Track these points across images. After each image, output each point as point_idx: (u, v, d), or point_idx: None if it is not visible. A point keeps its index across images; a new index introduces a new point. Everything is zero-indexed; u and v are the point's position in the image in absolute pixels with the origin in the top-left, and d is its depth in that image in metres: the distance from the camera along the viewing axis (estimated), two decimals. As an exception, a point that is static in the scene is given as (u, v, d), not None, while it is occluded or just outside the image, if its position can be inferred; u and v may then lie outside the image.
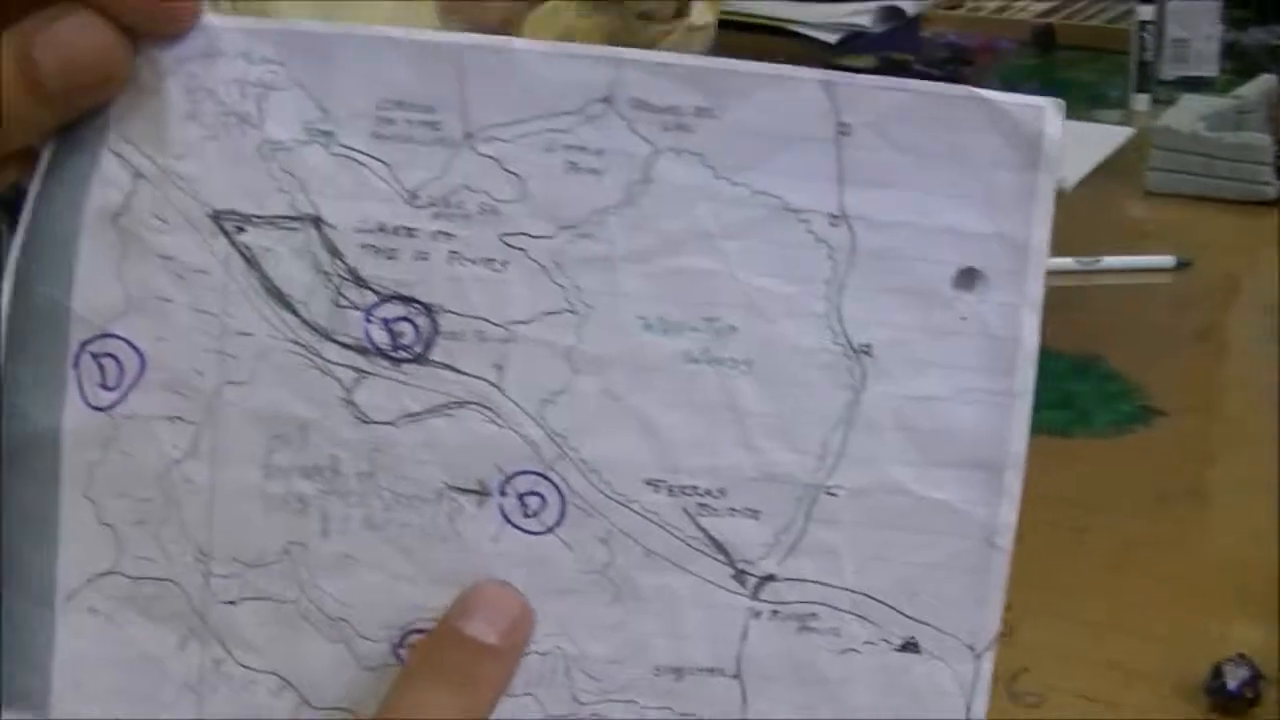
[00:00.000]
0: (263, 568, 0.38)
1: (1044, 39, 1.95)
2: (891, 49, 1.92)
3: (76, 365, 0.37)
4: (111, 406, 0.37)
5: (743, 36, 2.12)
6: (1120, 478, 0.97)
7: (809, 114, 0.37)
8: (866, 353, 0.37)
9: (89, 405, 0.37)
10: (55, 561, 0.38)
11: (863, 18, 2.03)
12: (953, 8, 2.05)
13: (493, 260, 0.37)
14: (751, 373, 0.37)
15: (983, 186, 0.38)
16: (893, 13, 2.04)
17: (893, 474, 0.38)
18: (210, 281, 0.37)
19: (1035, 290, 0.38)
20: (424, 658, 0.37)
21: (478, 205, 0.37)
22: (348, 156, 0.37)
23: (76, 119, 0.37)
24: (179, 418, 0.37)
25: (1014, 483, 0.38)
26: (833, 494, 0.38)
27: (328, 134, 0.37)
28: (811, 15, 2.06)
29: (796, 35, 2.04)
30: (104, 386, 0.37)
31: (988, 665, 0.39)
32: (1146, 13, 1.71)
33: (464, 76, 0.37)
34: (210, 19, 0.37)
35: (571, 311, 0.37)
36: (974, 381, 0.38)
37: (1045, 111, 0.37)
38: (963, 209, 0.38)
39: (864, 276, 0.37)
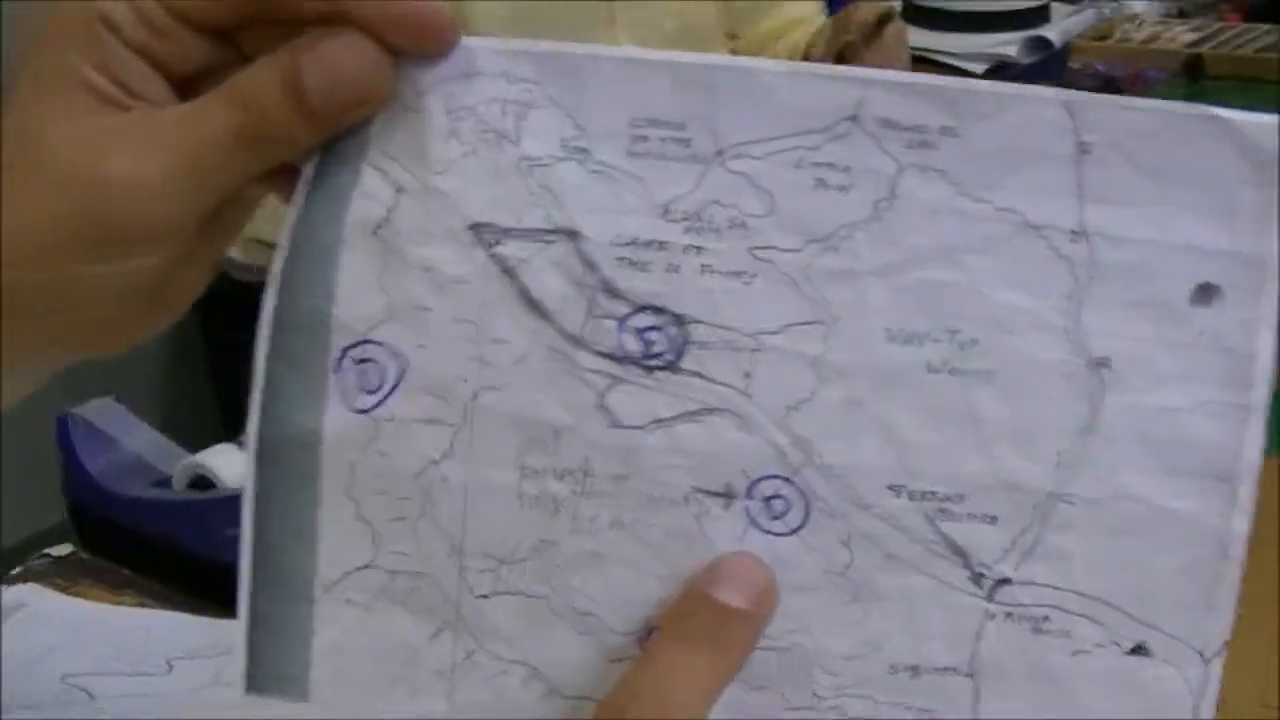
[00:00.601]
0: (515, 564, 0.39)
1: (1193, 69, 1.93)
2: (1040, 79, 1.91)
3: (338, 370, 0.39)
4: (372, 409, 0.39)
5: (890, 66, 2.13)
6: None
7: (1050, 132, 0.38)
8: (1105, 365, 0.38)
9: (350, 408, 0.39)
10: (315, 556, 0.40)
11: (1009, 48, 2.03)
12: (1101, 39, 2.05)
13: (742, 273, 0.39)
14: (992, 383, 0.38)
15: (1221, 203, 0.38)
16: (1040, 43, 2.04)
17: (1129, 483, 0.39)
18: (469, 291, 0.39)
19: (1271, 306, 0.39)
20: (675, 621, 0.38)
21: (728, 220, 0.39)
22: (602, 172, 0.39)
23: (339, 135, 0.39)
24: (437, 420, 0.39)
25: (1247, 494, 0.39)
26: (1069, 502, 0.39)
27: (583, 150, 0.39)
28: (957, 46, 2.06)
29: (943, 65, 2.04)
30: (365, 390, 0.39)
31: (1216, 671, 0.40)
32: (1297, 39, 1.68)
33: (714, 96, 0.38)
34: (469, 40, 0.38)
35: (818, 322, 0.38)
36: (1210, 394, 0.38)
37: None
38: (1201, 225, 0.38)
39: (1103, 291, 0.38)
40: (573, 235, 0.39)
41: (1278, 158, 0.38)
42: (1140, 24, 2.10)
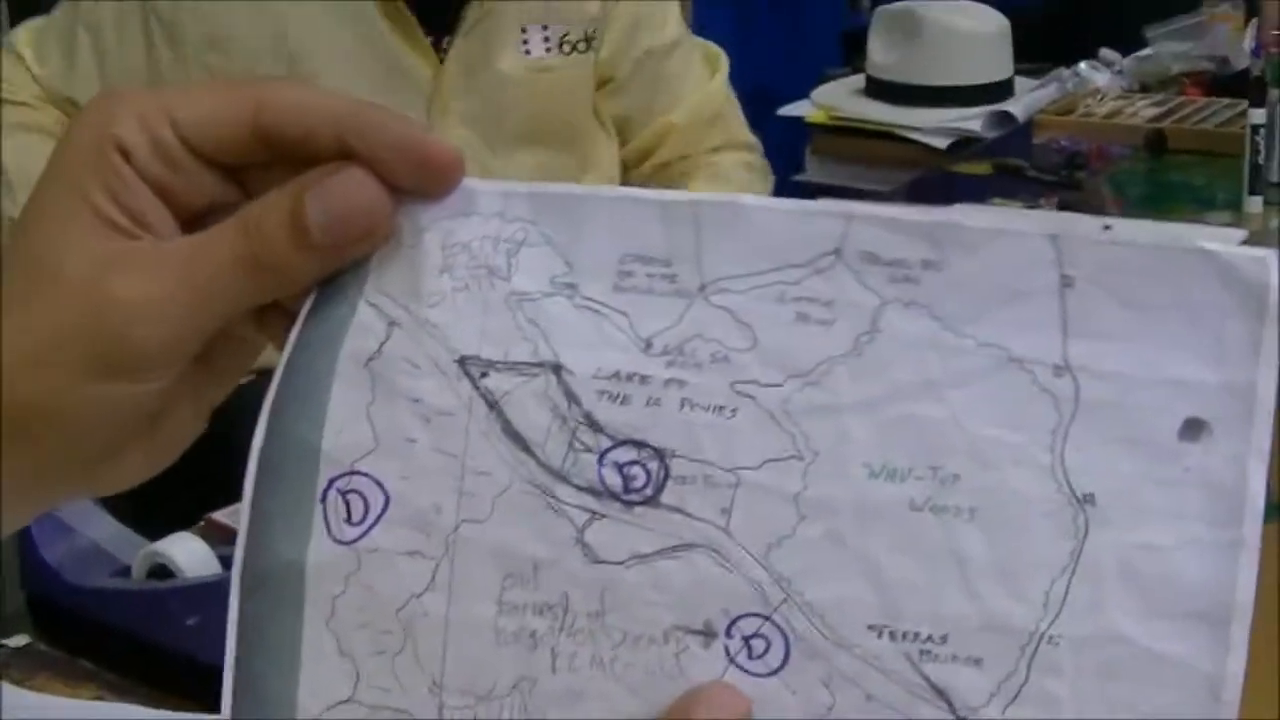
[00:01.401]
0: (494, 700, 0.39)
1: (1156, 144, 1.96)
2: (1005, 154, 1.93)
3: (324, 501, 0.39)
4: (356, 540, 0.39)
5: (855, 140, 2.14)
6: None
7: (1033, 266, 0.38)
8: (1090, 502, 0.38)
9: (335, 539, 0.39)
10: (296, 688, 0.39)
11: (972, 123, 2.05)
12: (1064, 114, 2.07)
13: (723, 408, 0.38)
14: (975, 520, 0.38)
15: (1209, 338, 0.38)
16: (1003, 118, 2.06)
17: (1115, 623, 0.38)
18: (454, 423, 0.39)
19: (1262, 439, 0.38)
20: None
21: (710, 354, 0.38)
22: (589, 308, 0.38)
23: (338, 271, 0.39)
24: (419, 553, 0.39)
25: (1240, 635, 0.38)
26: (1054, 643, 0.38)
27: (571, 286, 0.39)
28: (921, 120, 2.08)
29: (907, 141, 2.06)
30: (349, 522, 0.39)
31: None
32: (1258, 116, 1.71)
33: (700, 231, 0.38)
34: (469, 180, 0.38)
35: (798, 458, 0.38)
36: (1198, 532, 0.38)
37: (1271, 263, 0.38)
38: (1188, 360, 0.38)
39: (1087, 426, 0.38)
40: (556, 369, 0.39)
41: (1266, 291, 0.38)
42: (1103, 99, 2.12)
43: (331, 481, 0.39)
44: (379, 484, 0.39)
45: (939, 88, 2.14)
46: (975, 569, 0.38)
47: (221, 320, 0.39)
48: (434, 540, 0.39)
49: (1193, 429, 0.38)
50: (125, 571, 0.79)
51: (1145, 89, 2.22)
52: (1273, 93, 1.70)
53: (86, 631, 0.75)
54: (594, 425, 0.38)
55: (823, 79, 2.41)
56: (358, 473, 0.39)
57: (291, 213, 0.38)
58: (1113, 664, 0.38)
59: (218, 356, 0.42)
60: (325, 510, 0.39)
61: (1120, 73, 2.25)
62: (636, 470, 0.38)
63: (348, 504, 0.39)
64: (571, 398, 0.38)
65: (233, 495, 0.76)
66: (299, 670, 0.39)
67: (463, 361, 0.39)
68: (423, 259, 0.39)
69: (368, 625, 0.39)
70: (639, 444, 0.38)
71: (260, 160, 0.40)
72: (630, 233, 0.39)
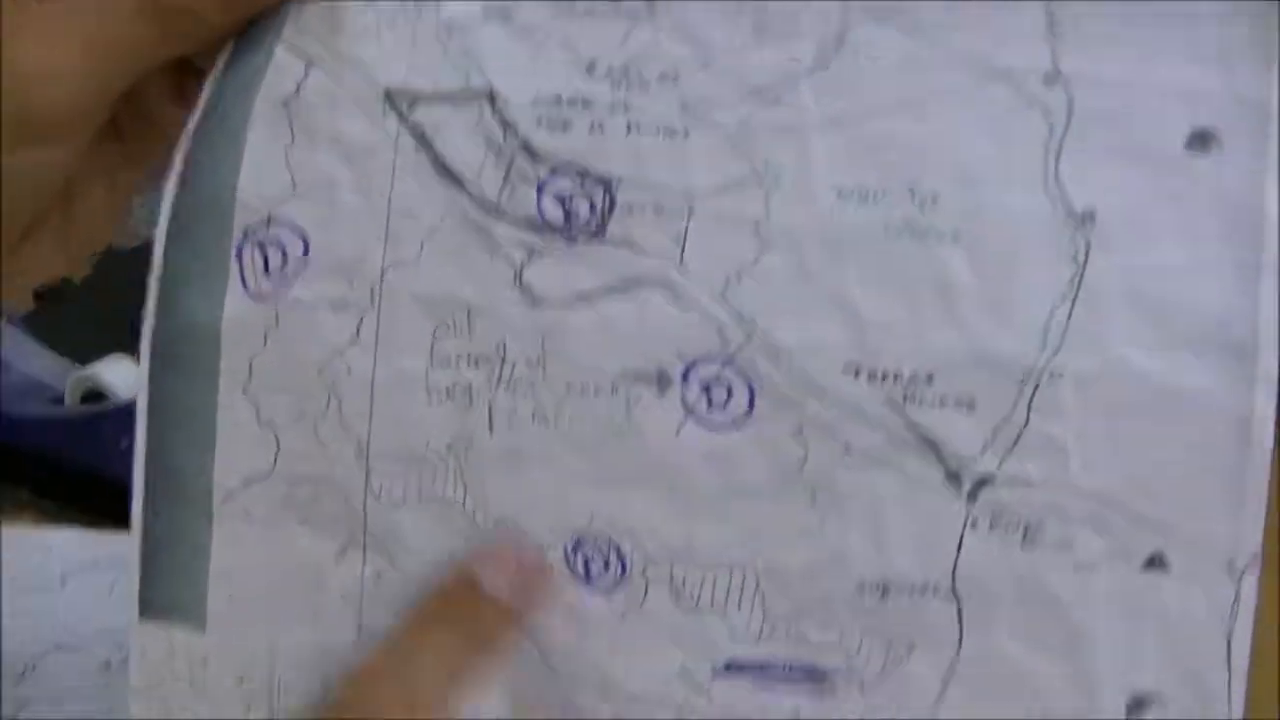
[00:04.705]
0: (426, 464, 0.35)
1: None
2: None
3: (240, 254, 0.36)
4: (274, 294, 0.36)
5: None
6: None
7: None
8: (1090, 220, 0.34)
9: (251, 295, 0.36)
10: (212, 463, 0.36)
11: None
12: None
13: (674, 130, 0.35)
14: (959, 244, 0.34)
15: (1213, 43, 0.34)
16: None
17: (1124, 355, 0.34)
18: (378, 162, 0.35)
19: (1275, 155, 0.34)
20: (434, 598, 0.36)
21: (658, 73, 0.35)
22: (526, 31, 0.35)
23: (252, 21, 0.37)
24: (343, 304, 0.35)
25: (1270, 366, 0.34)
26: (1056, 380, 0.34)
27: (506, 11, 0.35)
28: None
29: None
30: (267, 274, 0.36)
31: (1250, 587, 0.34)
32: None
33: None
34: None
35: (759, 182, 0.34)
36: (1214, 252, 0.34)
37: None
38: (1191, 67, 0.34)
39: (1084, 138, 0.34)
40: (490, 96, 0.35)
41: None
42: None
43: (247, 232, 0.36)
44: (298, 231, 0.36)
45: None
46: (962, 298, 0.34)
47: (129, 77, 0.37)
48: (358, 289, 0.35)
49: (1201, 140, 0.34)
50: (60, 400, 0.76)
51: None
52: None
53: (21, 461, 0.73)
54: (532, 154, 0.35)
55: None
56: (276, 220, 0.36)
57: None
58: (1123, 402, 0.34)
59: (130, 134, 0.40)
60: (241, 264, 0.36)
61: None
62: (580, 202, 0.35)
63: (265, 255, 0.36)
64: (507, 126, 0.35)
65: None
66: (214, 445, 0.36)
67: (388, 95, 0.35)
68: None
69: (288, 388, 0.36)
70: (582, 173, 0.35)
71: None
72: None
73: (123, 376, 0.72)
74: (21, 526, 0.64)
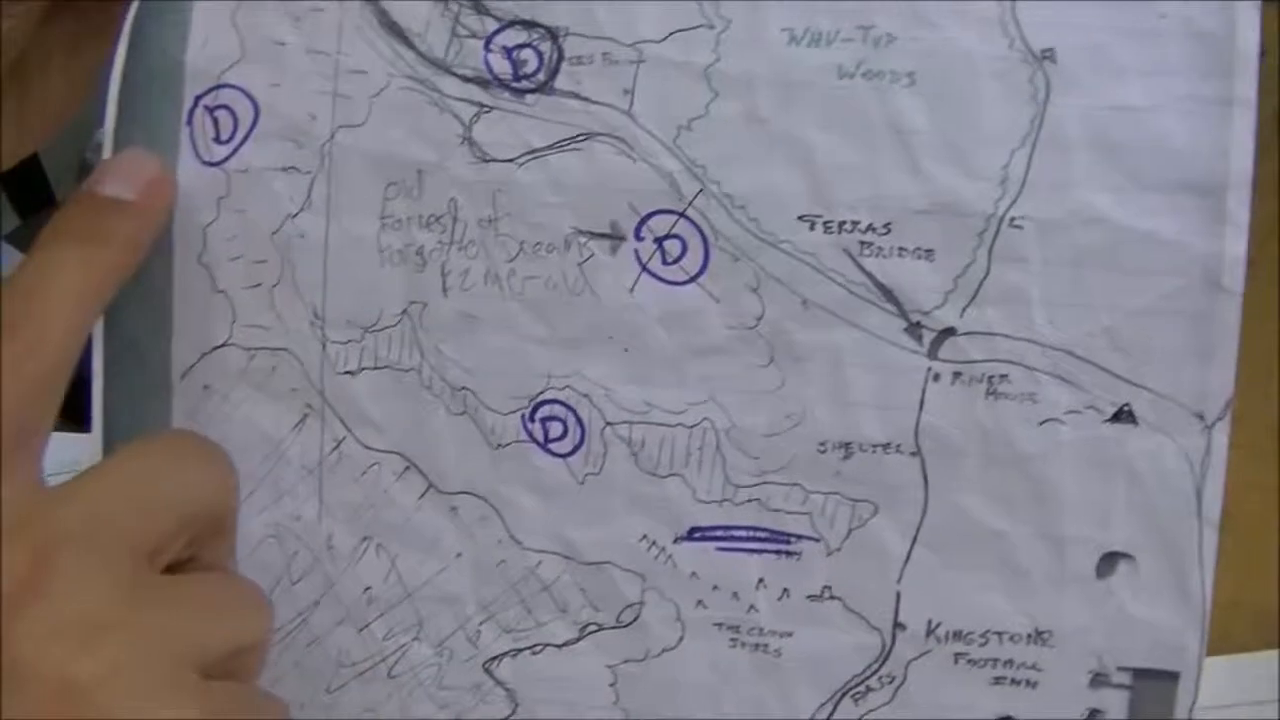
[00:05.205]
0: (380, 331, 0.35)
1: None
2: None
3: (190, 121, 0.35)
4: (225, 160, 0.35)
5: None
6: None
7: None
8: (1050, 58, 0.33)
9: (202, 161, 0.35)
10: (170, 336, 0.36)
11: None
12: None
13: None
14: (915, 86, 0.33)
15: None
16: None
17: (1088, 200, 0.33)
18: (325, 20, 0.35)
19: None
20: (55, 220, 0.34)
21: None
22: None
23: None
24: (293, 168, 0.35)
25: (1239, 208, 0.32)
26: (1017, 225, 0.33)
27: None
28: None
29: None
30: (218, 140, 0.35)
31: (1222, 438, 0.33)
32: None
33: None
34: None
35: (708, 26, 0.34)
36: (1181, 88, 0.32)
37: None
38: None
39: None
40: None
41: None
42: None
43: (198, 99, 0.35)
44: (247, 95, 0.35)
45: None
46: (919, 143, 0.33)
47: None
48: (308, 152, 0.35)
49: None
50: None
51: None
52: None
53: None
54: (478, 7, 0.34)
55: None
56: (225, 85, 0.35)
57: None
58: (1089, 249, 0.33)
59: (85, 10, 0.39)
60: (192, 132, 0.35)
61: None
62: (527, 53, 0.34)
63: (215, 121, 0.35)
64: None
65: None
66: (171, 318, 0.36)
67: None
68: None
69: (242, 255, 0.35)
70: (528, 24, 0.34)
71: None
72: None
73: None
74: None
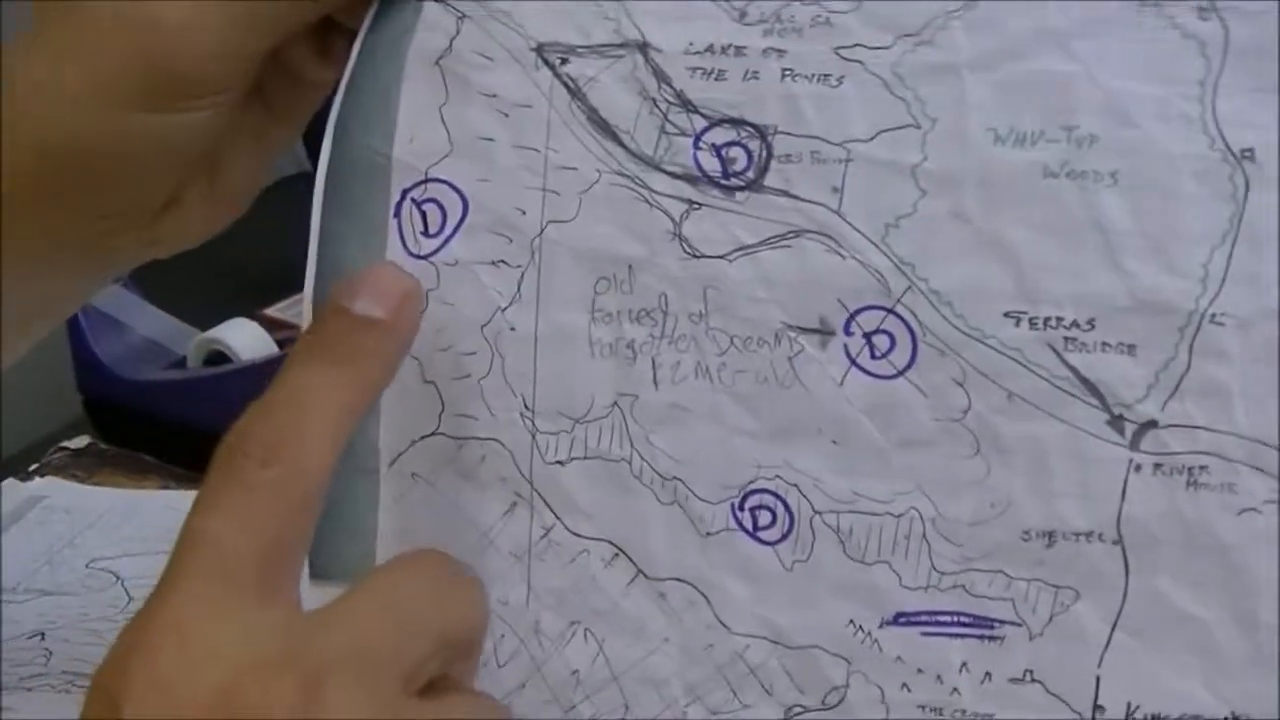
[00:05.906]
0: (591, 422, 0.36)
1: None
2: None
3: (398, 214, 0.36)
4: (434, 253, 0.36)
5: None
6: None
7: None
8: (1249, 158, 0.34)
9: (410, 254, 0.36)
10: (379, 424, 0.37)
11: None
12: None
13: (828, 76, 0.35)
14: (1118, 185, 0.34)
15: None
16: None
17: None
18: (534, 116, 0.36)
19: None
20: (308, 336, 0.35)
21: (810, 18, 0.35)
22: None
23: None
24: (503, 261, 0.36)
25: None
26: (1219, 322, 0.34)
27: None
28: None
29: None
30: (426, 234, 0.36)
31: None
32: None
33: None
34: None
35: (915, 126, 0.35)
36: None
37: None
38: None
39: (1241, 73, 0.34)
40: (643, 47, 0.36)
41: None
42: None
43: (405, 192, 0.36)
44: (456, 189, 0.36)
45: None
46: (1122, 241, 0.34)
47: (272, 37, 0.37)
48: (518, 246, 0.36)
49: None
50: (180, 364, 0.78)
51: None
52: None
53: (146, 425, 0.74)
54: (687, 105, 0.35)
55: None
56: (434, 179, 0.36)
57: None
58: None
59: (276, 94, 0.40)
60: (400, 224, 0.36)
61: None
62: (736, 151, 0.35)
63: (424, 214, 0.36)
64: (661, 77, 0.35)
65: (285, 290, 0.75)
66: (380, 407, 0.36)
67: (540, 49, 0.36)
68: None
69: (450, 346, 0.36)
70: (737, 122, 0.35)
71: None
72: None
73: (246, 339, 0.73)
74: (149, 489, 0.65)
